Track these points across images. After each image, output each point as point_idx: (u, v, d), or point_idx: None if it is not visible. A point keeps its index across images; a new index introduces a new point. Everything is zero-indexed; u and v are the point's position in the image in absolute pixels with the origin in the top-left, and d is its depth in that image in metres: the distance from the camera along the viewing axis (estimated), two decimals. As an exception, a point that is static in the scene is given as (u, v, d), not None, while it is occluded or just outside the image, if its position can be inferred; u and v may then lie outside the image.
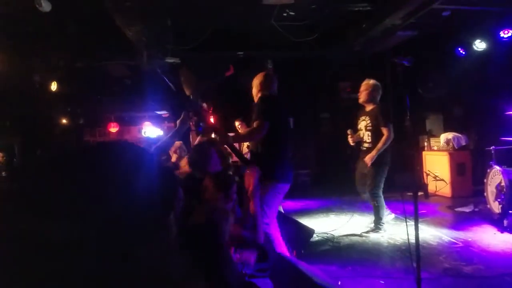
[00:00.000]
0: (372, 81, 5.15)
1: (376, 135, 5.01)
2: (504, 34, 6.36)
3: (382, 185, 5.06)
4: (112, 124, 14.96)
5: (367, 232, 5.12)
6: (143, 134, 15.63)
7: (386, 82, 8.73)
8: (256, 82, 3.78)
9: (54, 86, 6.60)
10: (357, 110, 7.88)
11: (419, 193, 2.95)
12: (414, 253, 2.93)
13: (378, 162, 4.97)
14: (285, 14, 6.10)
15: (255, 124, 3.39)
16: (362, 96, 5.15)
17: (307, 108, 9.15)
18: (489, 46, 6.76)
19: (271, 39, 6.67)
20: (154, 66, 7.11)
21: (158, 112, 15.05)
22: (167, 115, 15.20)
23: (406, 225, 2.97)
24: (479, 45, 6.91)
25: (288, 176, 3.53)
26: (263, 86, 3.67)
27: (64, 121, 10.68)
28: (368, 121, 5.13)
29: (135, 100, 11.05)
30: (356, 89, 10.34)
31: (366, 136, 5.16)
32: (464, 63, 7.49)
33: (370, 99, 5.09)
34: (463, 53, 7.42)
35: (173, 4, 4.71)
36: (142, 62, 6.33)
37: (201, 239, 1.58)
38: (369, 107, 5.15)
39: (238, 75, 7.64)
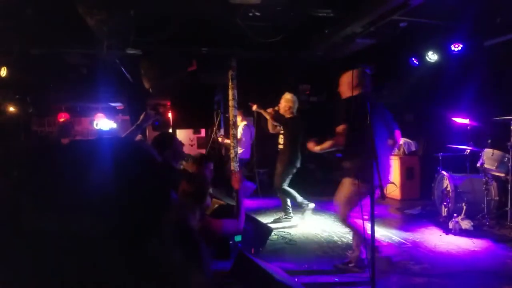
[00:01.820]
0: (290, 96, 5.91)
1: (286, 139, 5.74)
2: (455, 47, 6.76)
3: (287, 181, 5.80)
4: (63, 115, 14.29)
5: (279, 219, 5.86)
6: (95, 126, 15.07)
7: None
8: (345, 80, 3.75)
9: (3, 72, 6.20)
10: (316, 112, 8.09)
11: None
12: (370, 253, 3.06)
13: (287, 162, 5.68)
14: (250, 14, 6.11)
15: (338, 128, 3.52)
16: (281, 108, 5.82)
17: (267, 108, 9.25)
18: (440, 58, 7.16)
19: (236, 37, 6.66)
20: (114, 56, 6.87)
21: (113, 104, 14.56)
22: (122, 107, 14.75)
23: (363, 225, 3.09)
24: (432, 56, 7.30)
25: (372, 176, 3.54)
26: (352, 85, 3.60)
27: (11, 108, 10.05)
28: (281, 128, 5.87)
29: (89, 90, 10.58)
30: (315, 92, 10.57)
31: (280, 139, 5.90)
32: (416, 73, 7.89)
33: (289, 111, 5.78)
34: (417, 63, 7.81)
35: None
36: (101, 52, 6.10)
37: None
38: (287, 115, 5.80)
39: (200, 71, 7.56)
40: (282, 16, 6.06)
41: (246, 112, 7.34)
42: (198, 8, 5.79)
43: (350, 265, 3.79)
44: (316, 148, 4.02)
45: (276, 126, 5.97)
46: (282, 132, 5.88)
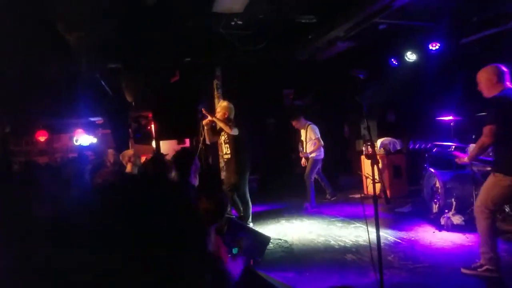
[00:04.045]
0: (225, 103, 5.76)
1: (233, 147, 5.63)
2: (432, 46, 6.93)
3: (247, 189, 5.65)
4: (41, 132, 13.93)
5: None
6: (74, 142, 14.76)
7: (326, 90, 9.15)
8: (483, 78, 3.65)
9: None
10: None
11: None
12: (370, 254, 3.07)
13: (238, 170, 5.56)
14: (233, 23, 6.12)
15: (486, 129, 3.46)
16: (220, 116, 5.64)
17: (254, 114, 9.26)
18: (419, 57, 7.32)
19: (218, 46, 6.66)
20: (94, 71, 6.75)
21: (92, 119, 14.29)
22: (101, 121, 14.49)
23: (367, 228, 3.11)
24: (410, 56, 7.46)
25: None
26: (491, 84, 3.52)
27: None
28: (226, 136, 5.74)
29: (67, 106, 10.35)
30: (300, 95, 10.61)
31: (226, 149, 5.78)
32: (397, 73, 8.05)
33: (225, 119, 5.61)
34: (396, 63, 7.97)
35: (118, 9, 4.53)
36: (81, 67, 5.99)
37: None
38: (220, 124, 5.64)
39: (184, 81, 7.52)
40: (264, 23, 6.09)
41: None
42: (181, 18, 5.76)
43: (480, 269, 3.59)
44: (465, 160, 4.00)
45: (215, 135, 5.84)
46: (225, 140, 5.75)
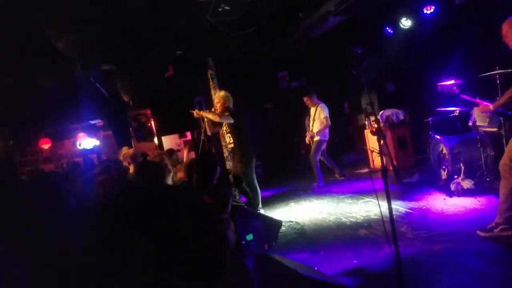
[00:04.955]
0: (222, 93, 5.65)
1: (235, 136, 5.59)
2: (427, 10, 6.79)
3: (254, 176, 5.59)
4: (44, 140, 14.00)
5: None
6: (78, 146, 14.79)
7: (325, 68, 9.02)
8: (508, 29, 3.46)
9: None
10: (296, 98, 7.94)
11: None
12: (382, 228, 3.04)
13: (243, 159, 5.49)
14: (220, 9, 6.01)
15: None
16: (219, 108, 5.54)
17: (251, 100, 9.19)
18: (414, 23, 7.18)
19: (209, 36, 6.56)
20: (88, 75, 6.69)
21: (92, 122, 14.30)
22: (101, 123, 14.49)
23: (378, 202, 3.08)
24: (405, 23, 7.31)
25: None
26: None
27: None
28: (227, 126, 5.71)
29: (66, 112, 10.38)
30: (295, 77, 10.50)
31: (229, 139, 5.77)
32: (393, 42, 7.90)
33: (225, 109, 5.51)
34: (391, 31, 7.82)
35: (105, 9, 4.45)
36: (74, 72, 5.93)
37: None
38: (226, 114, 5.54)
39: (178, 75, 7.45)
40: (253, 6, 5.97)
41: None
42: (167, 12, 5.66)
43: (496, 230, 3.56)
44: (489, 108, 3.97)
45: (216, 126, 5.76)
46: (227, 130, 5.73)
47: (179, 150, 12.07)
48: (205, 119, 5.57)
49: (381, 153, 2.82)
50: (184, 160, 6.78)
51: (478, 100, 4.45)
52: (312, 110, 7.46)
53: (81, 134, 14.51)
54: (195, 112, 5.58)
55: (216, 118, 5.40)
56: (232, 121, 5.45)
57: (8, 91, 6.43)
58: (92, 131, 14.73)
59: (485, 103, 4.11)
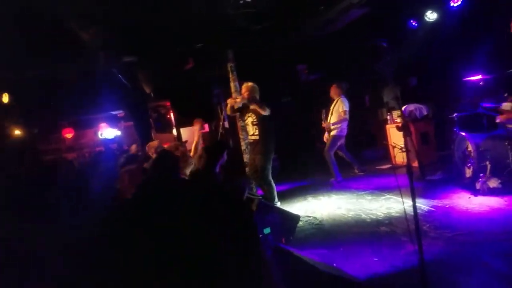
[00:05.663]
0: (250, 84, 5.69)
1: (262, 128, 5.58)
2: (454, 3, 6.58)
3: (270, 171, 5.60)
4: (67, 130, 14.37)
5: None
6: (99, 136, 15.07)
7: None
8: None
9: (5, 98, 6.17)
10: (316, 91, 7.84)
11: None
12: (403, 226, 2.97)
13: (264, 152, 5.52)
14: (241, 1, 5.97)
15: None
16: (246, 97, 5.61)
17: (269, 93, 9.14)
18: (440, 16, 6.97)
19: (229, 28, 6.53)
20: (111, 66, 6.76)
21: (113, 112, 14.53)
22: (123, 114, 14.71)
23: (402, 200, 3.01)
24: (431, 15, 7.12)
25: None
26: None
27: (17, 132, 10.03)
28: (254, 117, 5.67)
29: (89, 103, 10.59)
30: (314, 70, 10.39)
31: (253, 130, 5.70)
32: (417, 35, 7.70)
33: (252, 99, 5.56)
34: (415, 25, 7.62)
35: (127, 1, 4.46)
36: (98, 64, 6.01)
37: None
38: (252, 106, 5.60)
39: (198, 67, 7.46)
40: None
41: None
42: (188, 5, 5.65)
43: None
44: None
45: (234, 112, 5.84)
46: (253, 122, 5.69)
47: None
48: (228, 105, 5.68)
49: (406, 149, 2.74)
50: (195, 138, 6.80)
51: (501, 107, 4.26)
52: (333, 103, 7.36)
53: (102, 124, 14.79)
54: (235, 100, 5.69)
55: (262, 110, 5.41)
56: (268, 112, 5.46)
57: (33, 83, 6.57)
58: (113, 121, 14.99)
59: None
